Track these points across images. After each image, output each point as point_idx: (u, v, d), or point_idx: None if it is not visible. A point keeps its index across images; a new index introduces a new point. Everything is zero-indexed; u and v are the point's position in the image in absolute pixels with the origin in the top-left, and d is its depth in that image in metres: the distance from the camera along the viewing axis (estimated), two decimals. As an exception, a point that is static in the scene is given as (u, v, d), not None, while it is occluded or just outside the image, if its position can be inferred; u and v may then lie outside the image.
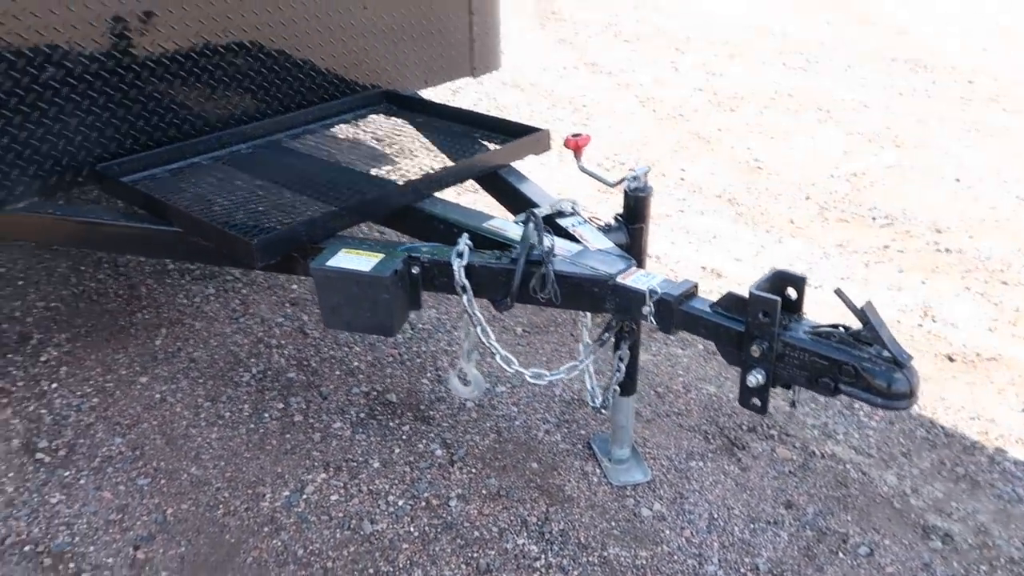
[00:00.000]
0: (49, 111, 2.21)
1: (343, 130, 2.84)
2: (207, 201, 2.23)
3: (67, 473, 2.32)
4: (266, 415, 2.56)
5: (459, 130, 2.78)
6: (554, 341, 3.00)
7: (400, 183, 2.33)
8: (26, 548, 2.08)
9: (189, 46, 2.45)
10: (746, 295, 1.60)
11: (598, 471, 2.39)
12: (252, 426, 2.52)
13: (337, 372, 2.77)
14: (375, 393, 2.68)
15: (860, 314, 1.51)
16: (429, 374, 2.79)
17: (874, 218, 3.90)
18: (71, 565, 2.05)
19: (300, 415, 2.57)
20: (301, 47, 2.74)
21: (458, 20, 3.21)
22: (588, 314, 2.20)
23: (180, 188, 2.32)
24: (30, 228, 2.31)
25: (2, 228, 2.32)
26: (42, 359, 2.78)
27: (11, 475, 2.30)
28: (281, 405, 2.61)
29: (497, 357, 1.98)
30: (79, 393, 2.62)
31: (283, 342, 2.91)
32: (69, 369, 2.73)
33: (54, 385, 2.65)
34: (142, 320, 3.01)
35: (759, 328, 1.59)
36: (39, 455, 2.37)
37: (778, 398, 2.63)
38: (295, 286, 3.26)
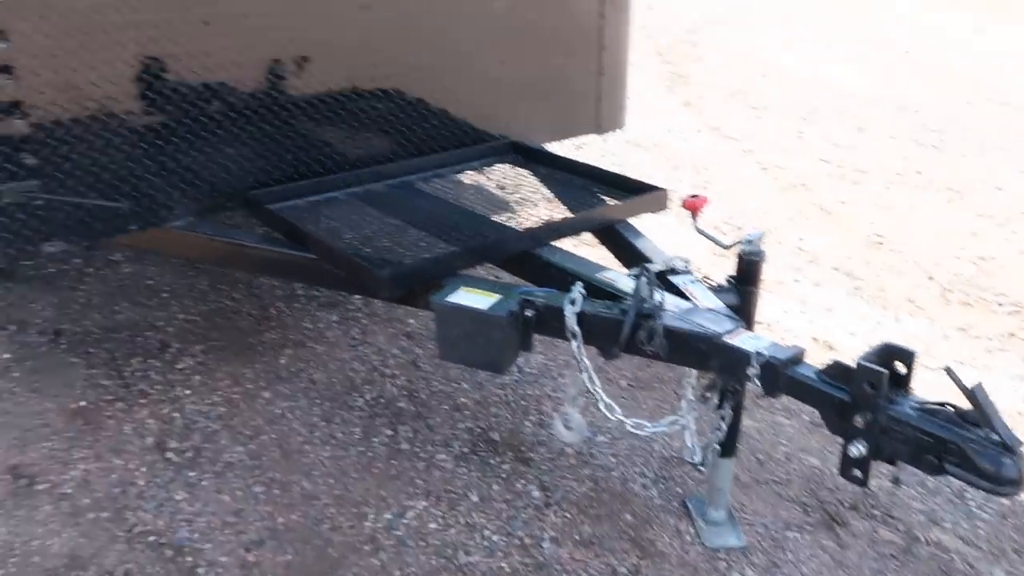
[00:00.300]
0: (210, 141, 2.45)
1: (470, 176, 2.99)
2: (342, 232, 2.40)
3: (192, 474, 2.50)
4: (375, 440, 2.69)
5: (580, 183, 2.89)
6: (657, 397, 3.03)
7: (520, 230, 2.45)
8: (151, 538, 2.26)
9: (333, 90, 2.66)
10: (854, 365, 1.62)
11: (692, 531, 2.40)
12: (362, 449, 2.65)
13: (445, 406, 2.88)
14: (479, 430, 2.77)
15: (970, 395, 1.50)
16: (532, 417, 2.87)
17: (1000, 304, 3.76)
18: (189, 559, 2.20)
19: (407, 443, 2.68)
20: (437, 96, 2.92)
21: (587, 79, 3.35)
22: (692, 371, 2.24)
23: (318, 219, 2.51)
24: (184, 245, 2.54)
25: (159, 243, 2.56)
26: (178, 367, 3.01)
27: (143, 470, 2.50)
28: (390, 432, 2.73)
29: (600, 404, 2.04)
30: (208, 401, 2.82)
31: (396, 372, 3.06)
32: (201, 379, 2.95)
33: (187, 392, 2.87)
34: (270, 340, 3.22)
35: (864, 399, 1.60)
36: (169, 455, 2.57)
37: (883, 478, 2.57)
38: (411, 320, 3.41)
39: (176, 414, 2.76)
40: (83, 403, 2.79)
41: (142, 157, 2.35)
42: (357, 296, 3.54)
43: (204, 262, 3.44)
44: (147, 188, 2.38)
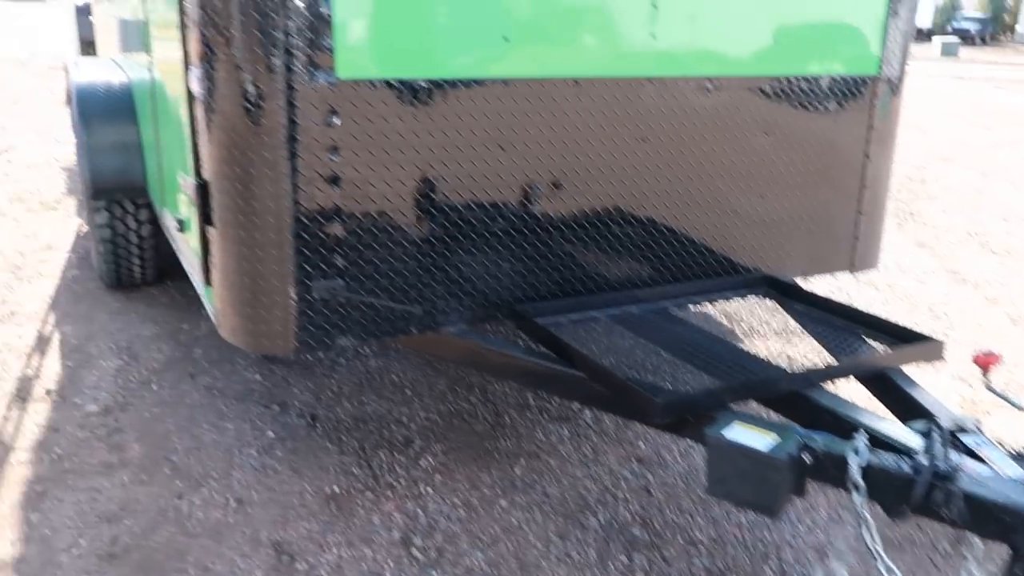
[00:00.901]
0: (485, 255, 2.61)
1: (726, 307, 2.98)
2: (607, 353, 2.45)
3: (435, 573, 2.56)
4: (611, 565, 2.64)
5: (840, 324, 2.80)
6: (908, 561, 2.79)
7: (790, 369, 2.39)
8: (397, 633, 2.31)
9: (599, 213, 2.76)
10: None
11: None
12: (597, 572, 2.61)
13: (679, 539, 2.80)
14: (716, 570, 2.66)
15: None
16: (772, 563, 2.72)
17: None
18: (433, 661, 2.23)
19: (643, 573, 2.62)
20: (696, 225, 2.96)
21: (846, 217, 3.29)
22: (980, 542, 2.05)
23: (583, 337, 2.57)
24: (455, 349, 2.68)
25: (433, 345, 2.71)
26: (421, 464, 3.13)
27: (391, 563, 2.59)
28: (625, 559, 2.68)
29: (880, 564, 1.90)
30: (449, 502, 2.90)
31: (629, 496, 3.02)
32: (442, 478, 3.04)
33: (429, 490, 2.97)
34: (505, 447, 3.29)
35: None
36: (414, 551, 2.65)
37: None
38: (642, 444, 3.38)
39: (420, 511, 2.85)
40: (336, 488, 2.95)
41: (430, 266, 2.53)
42: (588, 412, 3.58)
43: (473, 367, 3.56)
44: (430, 295, 2.56)
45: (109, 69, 4.74)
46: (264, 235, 2.35)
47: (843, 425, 2.14)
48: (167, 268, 4.82)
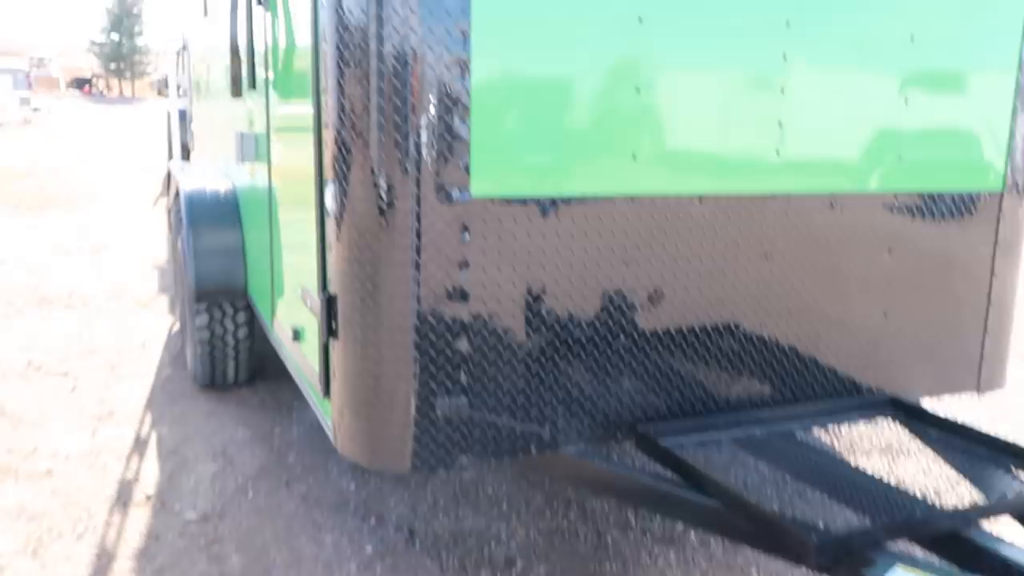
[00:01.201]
0: (607, 373, 2.54)
1: (854, 431, 2.84)
2: (738, 480, 2.32)
3: None
4: None
5: (983, 453, 2.63)
6: None
7: (940, 505, 2.23)
8: None
9: (716, 332, 2.69)
10: None
11: None
12: None
13: None
14: None
15: None
16: None
17: None
18: None
19: None
20: (817, 344, 2.86)
21: (973, 336, 3.15)
22: None
23: (709, 461, 2.46)
24: (573, 470, 2.59)
25: (549, 465, 2.63)
26: (525, 586, 3.00)
27: None
28: None
29: None
30: (559, 631, 2.76)
31: (748, 631, 2.83)
32: (549, 603, 2.90)
33: (537, 616, 2.83)
34: (610, 570, 3.13)
35: None
36: None
37: None
38: (754, 571, 3.19)
39: (530, 640, 2.71)
40: (441, 610, 2.83)
41: (552, 384, 2.48)
42: (694, 535, 3.41)
43: (591, 490, 3.45)
44: (552, 413, 2.49)
45: (214, 175, 4.92)
46: (390, 350, 2.33)
47: (1010, 570, 1.97)
48: (258, 369, 4.87)
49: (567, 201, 2.38)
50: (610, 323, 2.52)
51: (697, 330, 2.66)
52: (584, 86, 2.37)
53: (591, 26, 2.33)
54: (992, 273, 3.11)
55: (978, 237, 3.05)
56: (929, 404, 3.07)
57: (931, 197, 2.91)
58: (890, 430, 2.85)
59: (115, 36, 63.47)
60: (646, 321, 2.57)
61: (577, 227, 2.41)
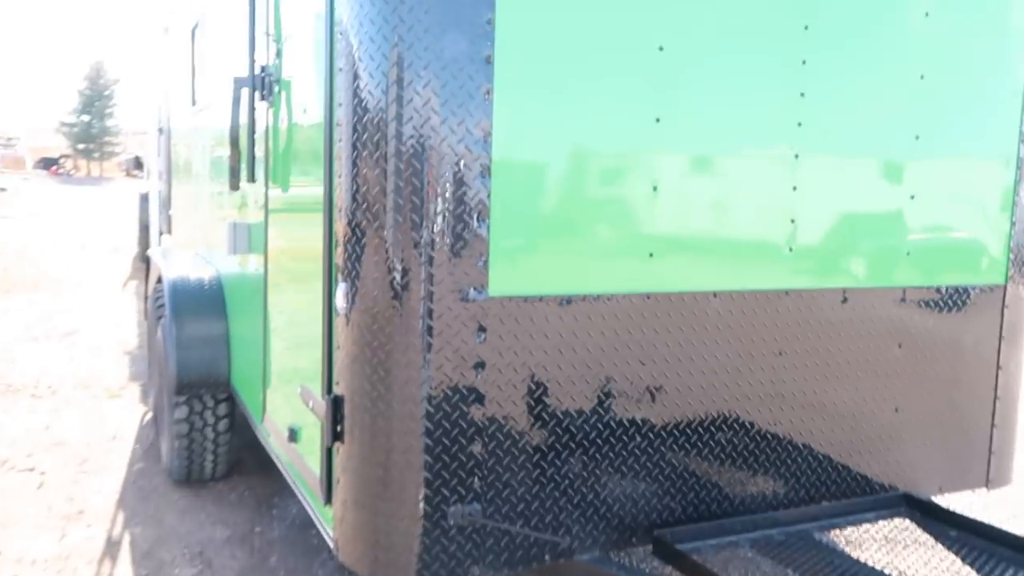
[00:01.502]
0: (623, 476, 2.44)
1: (871, 531, 2.76)
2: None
3: None
4: None
5: (1008, 555, 2.56)
6: None
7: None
8: None
9: (731, 431, 2.62)
10: None
11: None
12: None
13: None
14: None
15: None
16: None
17: None
18: None
19: None
20: (830, 441, 2.80)
21: (981, 430, 3.12)
22: None
23: (728, 566, 2.35)
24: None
25: (565, 573, 2.50)
26: None
27: None
28: None
29: None
30: None
31: None
32: None
33: None
34: None
35: None
36: None
37: None
38: None
39: None
40: None
41: (568, 488, 2.37)
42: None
43: None
44: (567, 519, 2.38)
45: (197, 262, 4.82)
46: (400, 456, 2.22)
47: None
48: (236, 462, 4.67)
49: (584, 298, 2.33)
50: (625, 423, 2.44)
51: (713, 429, 2.58)
52: (602, 184, 2.34)
53: (609, 126, 2.32)
54: (998, 366, 3.10)
55: (983, 330, 3.04)
56: (943, 500, 3.01)
57: (937, 291, 2.91)
58: (910, 530, 2.77)
59: (85, 117, 63.65)
60: (663, 420, 2.50)
61: (594, 324, 2.35)
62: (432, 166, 2.15)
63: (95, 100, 63.99)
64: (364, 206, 2.21)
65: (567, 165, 2.32)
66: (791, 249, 2.62)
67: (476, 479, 2.25)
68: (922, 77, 2.78)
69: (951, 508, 2.89)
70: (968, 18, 2.87)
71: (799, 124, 2.58)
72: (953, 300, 2.95)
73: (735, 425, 2.62)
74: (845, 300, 2.73)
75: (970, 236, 2.97)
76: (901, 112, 2.77)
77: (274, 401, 3.15)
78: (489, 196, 2.18)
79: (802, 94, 2.58)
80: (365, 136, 2.20)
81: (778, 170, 2.57)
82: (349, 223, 2.24)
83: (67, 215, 24.18)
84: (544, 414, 2.32)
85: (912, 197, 2.80)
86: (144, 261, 11.36)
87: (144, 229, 12.58)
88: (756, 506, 2.69)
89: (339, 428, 2.32)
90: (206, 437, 4.41)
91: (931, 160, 2.84)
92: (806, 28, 2.57)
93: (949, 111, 2.85)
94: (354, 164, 2.23)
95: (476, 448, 2.24)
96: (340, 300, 2.28)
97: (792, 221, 2.60)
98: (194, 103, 5.49)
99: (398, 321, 2.19)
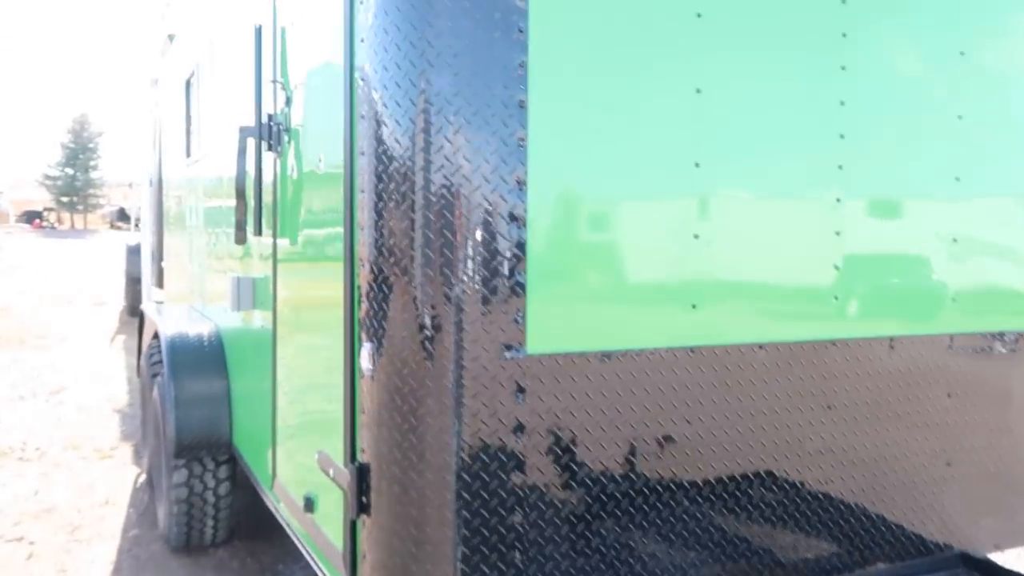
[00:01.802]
0: (668, 545, 2.28)
1: (931, 595, 2.59)
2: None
3: None
4: None
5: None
6: None
7: None
8: None
9: (780, 491, 2.45)
10: None
11: None
12: None
13: None
14: None
15: None
16: None
17: None
18: None
19: None
20: (883, 499, 2.64)
21: (1031, 483, 2.96)
22: None
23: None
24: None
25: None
26: None
27: None
28: None
29: None
30: None
31: None
32: None
33: None
34: None
35: None
36: None
37: None
38: None
39: None
40: None
41: (614, 561, 2.20)
42: None
43: None
44: (613, 593, 2.20)
45: (195, 317, 4.65)
46: (434, 529, 2.04)
47: None
48: (237, 526, 4.45)
49: (625, 354, 2.18)
50: (673, 487, 2.28)
51: (763, 489, 2.42)
52: (642, 234, 2.21)
53: (648, 172, 2.20)
54: (1046, 411, 2.96)
55: (1033, 376, 2.91)
56: (1000, 557, 2.85)
57: (985, 337, 2.78)
58: (970, 593, 2.60)
59: (69, 170, 63.54)
60: (711, 481, 2.33)
61: (637, 381, 2.19)
62: (464, 216, 2.01)
63: (79, 153, 64.01)
64: (391, 259, 2.07)
65: (605, 214, 2.19)
66: (836, 297, 2.48)
67: (517, 553, 2.08)
68: (960, 117, 2.69)
69: (1010, 567, 2.73)
70: (1003, 57, 2.79)
71: (839, 167, 2.46)
72: (1002, 346, 2.82)
73: (785, 485, 2.46)
74: (892, 349, 2.60)
75: (1015, 279, 2.85)
76: (940, 153, 2.67)
77: (285, 466, 2.96)
78: (524, 247, 2.04)
79: (841, 136, 2.47)
80: (392, 186, 2.06)
81: (820, 214, 2.45)
82: (375, 277, 2.10)
83: (51, 268, 23.89)
84: (588, 479, 2.15)
85: (954, 240, 2.68)
86: (133, 315, 11.11)
87: (132, 282, 12.36)
88: (809, 571, 2.52)
89: (365, 499, 2.15)
90: (206, 501, 4.20)
91: (972, 201, 2.73)
92: (843, 68, 2.48)
93: (988, 152, 2.75)
94: (379, 215, 2.09)
95: (516, 519, 2.07)
96: (365, 360, 2.12)
97: (836, 267, 2.47)
98: (188, 154, 5.36)
99: (430, 383, 2.03)
